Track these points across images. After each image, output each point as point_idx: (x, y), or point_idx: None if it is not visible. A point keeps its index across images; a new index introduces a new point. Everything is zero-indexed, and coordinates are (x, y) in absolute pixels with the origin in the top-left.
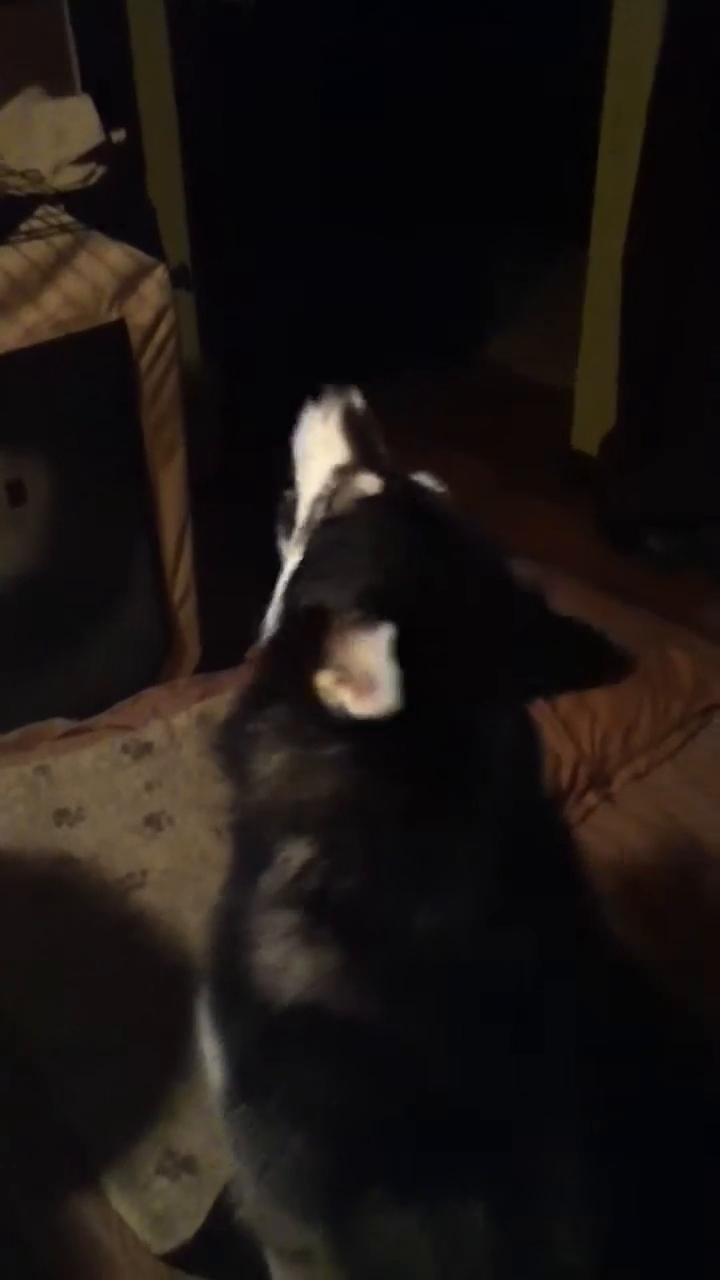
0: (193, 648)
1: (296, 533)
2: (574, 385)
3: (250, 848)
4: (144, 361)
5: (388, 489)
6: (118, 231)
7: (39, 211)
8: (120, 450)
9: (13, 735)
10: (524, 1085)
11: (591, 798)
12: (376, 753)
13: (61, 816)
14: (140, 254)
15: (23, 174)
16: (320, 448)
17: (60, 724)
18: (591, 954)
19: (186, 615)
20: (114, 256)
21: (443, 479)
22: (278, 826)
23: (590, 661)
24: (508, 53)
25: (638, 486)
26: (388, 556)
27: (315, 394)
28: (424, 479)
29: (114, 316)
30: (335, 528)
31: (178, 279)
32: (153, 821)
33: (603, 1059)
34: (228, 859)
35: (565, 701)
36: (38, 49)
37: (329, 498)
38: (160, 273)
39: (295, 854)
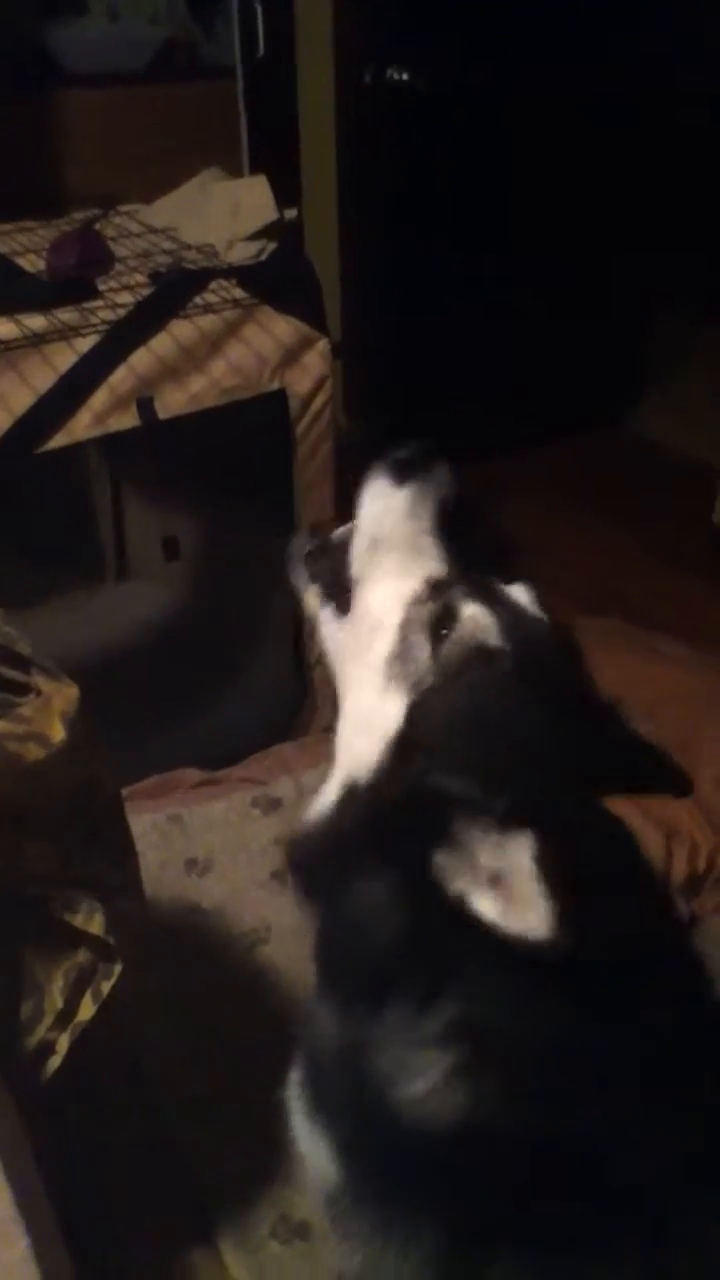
0: (325, 705)
1: (388, 654)
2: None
3: (357, 980)
4: (300, 427)
5: (509, 647)
6: (285, 304)
7: (212, 285)
8: (272, 511)
9: (148, 783)
10: (657, 1150)
11: None
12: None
13: (191, 866)
14: (304, 326)
15: (199, 249)
16: (407, 546)
17: (193, 774)
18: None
19: (321, 673)
20: (280, 328)
21: (586, 550)
22: (407, 976)
23: (653, 775)
24: (669, 121)
25: None
26: (529, 757)
27: (399, 462)
28: (521, 594)
29: (275, 385)
30: (457, 693)
31: (336, 350)
32: (279, 877)
33: None
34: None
35: (707, 785)
36: (211, 126)
37: (431, 625)
38: (323, 345)
39: (442, 1008)
